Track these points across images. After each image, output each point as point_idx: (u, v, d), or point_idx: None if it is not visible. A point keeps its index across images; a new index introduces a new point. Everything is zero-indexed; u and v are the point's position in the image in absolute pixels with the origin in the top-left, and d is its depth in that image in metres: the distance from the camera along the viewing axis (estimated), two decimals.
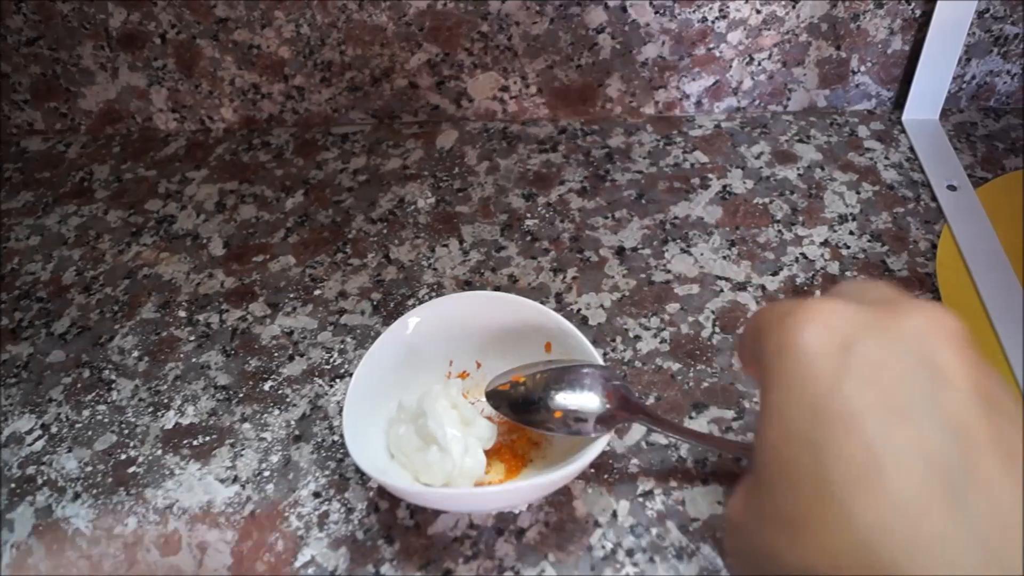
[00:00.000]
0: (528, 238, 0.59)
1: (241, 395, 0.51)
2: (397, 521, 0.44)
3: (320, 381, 0.51)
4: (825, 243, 0.58)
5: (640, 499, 0.45)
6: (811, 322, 0.27)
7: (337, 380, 0.51)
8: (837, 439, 0.25)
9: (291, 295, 0.57)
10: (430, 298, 0.55)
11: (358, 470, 0.46)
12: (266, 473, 0.47)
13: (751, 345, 0.30)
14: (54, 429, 0.50)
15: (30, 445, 0.49)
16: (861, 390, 0.25)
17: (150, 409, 0.51)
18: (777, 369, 0.28)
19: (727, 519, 0.30)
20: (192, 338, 0.55)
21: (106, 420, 0.50)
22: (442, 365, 0.48)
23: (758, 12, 0.63)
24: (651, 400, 0.49)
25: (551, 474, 0.40)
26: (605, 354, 0.52)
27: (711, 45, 0.65)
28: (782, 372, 0.27)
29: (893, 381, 0.25)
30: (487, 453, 0.44)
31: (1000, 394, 0.26)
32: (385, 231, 0.61)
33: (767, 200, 0.61)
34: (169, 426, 0.50)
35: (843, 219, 0.60)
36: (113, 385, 0.52)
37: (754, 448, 0.28)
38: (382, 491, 0.46)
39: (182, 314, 0.56)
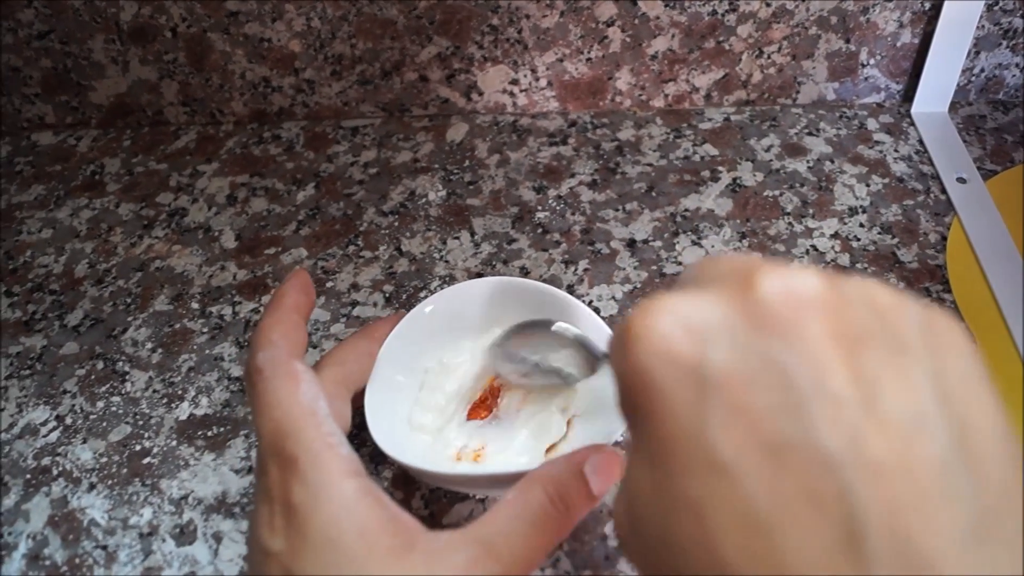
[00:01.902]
0: (539, 230, 0.60)
1: None
2: (412, 510, 0.44)
3: None
4: (835, 235, 0.58)
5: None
6: (646, 339, 0.22)
7: None
8: (717, 499, 0.20)
9: None
10: (441, 290, 0.55)
11: (372, 459, 0.46)
12: None
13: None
14: (69, 420, 0.50)
15: (45, 436, 0.50)
16: (727, 428, 0.20)
17: (164, 400, 0.51)
18: (628, 409, 0.23)
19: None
20: (205, 330, 0.55)
21: (120, 411, 0.51)
22: (462, 352, 0.48)
23: (768, 5, 0.63)
24: None
25: None
26: None
27: (721, 38, 0.65)
28: (635, 413, 0.22)
29: (760, 399, 0.20)
30: None
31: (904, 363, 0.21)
32: (396, 224, 0.61)
33: (777, 193, 0.61)
34: (183, 417, 0.50)
35: (853, 211, 0.60)
36: (127, 377, 0.52)
37: (626, 499, 0.23)
38: (396, 480, 0.46)
39: (195, 306, 0.56)
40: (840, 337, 0.21)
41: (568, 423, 0.44)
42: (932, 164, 0.63)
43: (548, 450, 0.43)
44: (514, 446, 0.43)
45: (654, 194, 0.62)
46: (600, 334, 0.44)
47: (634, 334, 0.22)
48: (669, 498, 0.21)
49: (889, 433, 0.19)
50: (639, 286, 0.55)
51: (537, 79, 0.68)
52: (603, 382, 0.44)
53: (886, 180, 0.62)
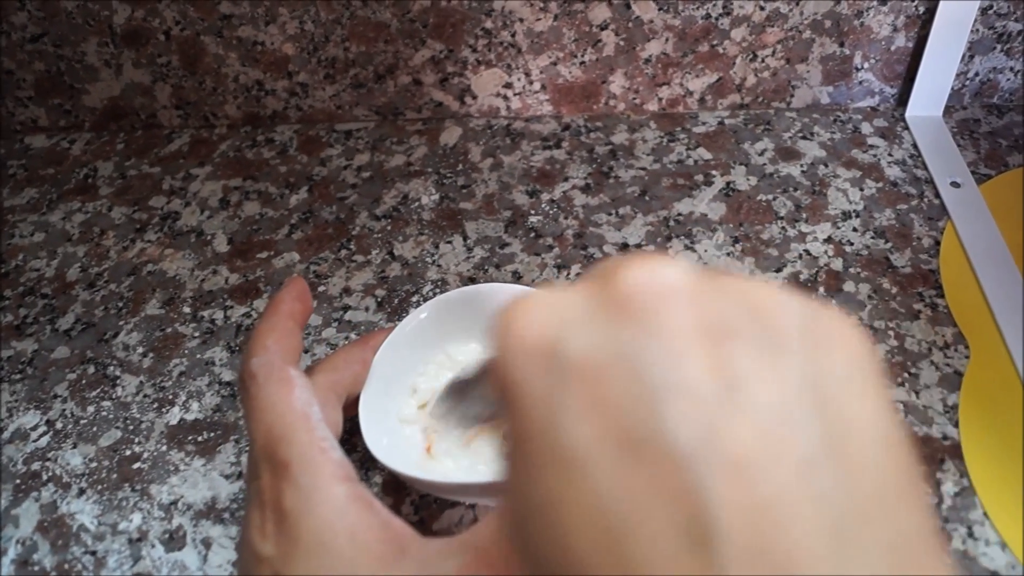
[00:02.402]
0: (532, 235, 0.60)
1: None
2: (402, 516, 0.44)
3: None
4: (829, 240, 0.58)
5: None
6: (504, 335, 0.21)
7: None
8: (569, 495, 0.19)
9: None
10: (434, 294, 0.55)
11: (362, 464, 0.46)
12: None
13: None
14: (59, 425, 0.50)
15: (35, 441, 0.49)
16: (579, 421, 0.19)
17: (155, 405, 0.51)
18: (499, 404, 0.22)
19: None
20: (197, 334, 0.55)
21: (111, 416, 0.50)
22: (455, 359, 0.48)
23: (762, 9, 0.63)
24: None
25: None
26: None
27: (715, 42, 0.65)
28: (503, 407, 0.21)
29: (614, 391, 0.19)
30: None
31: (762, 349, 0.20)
32: (389, 228, 0.61)
33: (771, 197, 0.61)
34: (174, 422, 0.50)
35: (847, 216, 0.60)
36: (118, 381, 0.52)
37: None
38: (386, 486, 0.46)
39: (187, 310, 0.56)
40: (705, 329, 0.20)
41: None
42: (926, 168, 0.63)
43: None
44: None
45: (647, 198, 0.62)
46: None
47: (495, 331, 0.22)
48: (525, 496, 0.20)
49: (748, 428, 0.18)
50: None
51: (531, 82, 0.68)
52: None
53: (880, 184, 0.62)
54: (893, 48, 0.66)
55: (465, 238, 0.60)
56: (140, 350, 0.54)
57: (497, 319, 0.22)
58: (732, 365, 0.19)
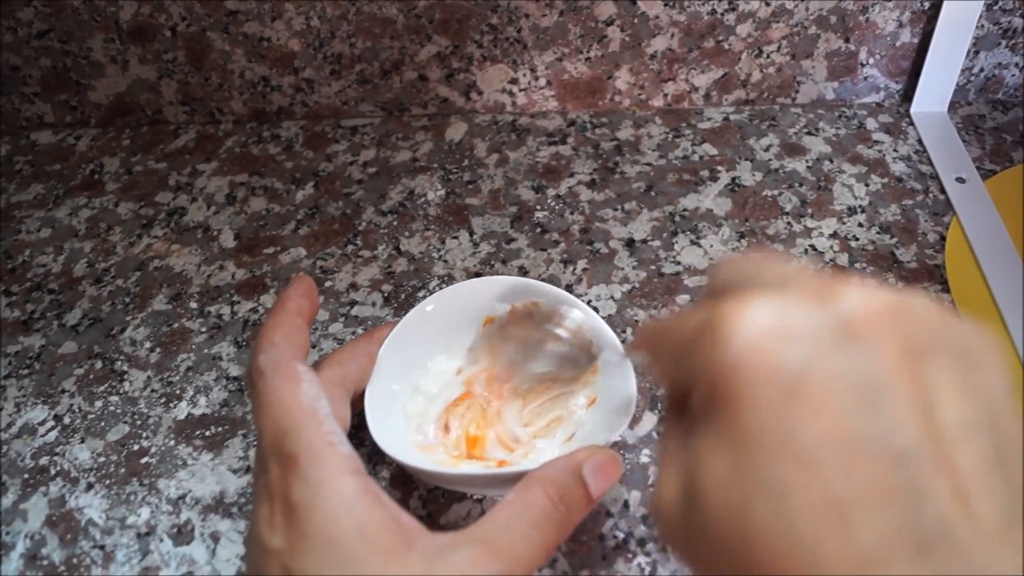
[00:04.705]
0: (538, 230, 0.60)
1: None
2: (409, 510, 0.44)
3: None
4: (834, 235, 0.58)
5: (651, 489, 0.45)
6: (744, 333, 0.24)
7: None
8: (799, 483, 0.22)
9: None
10: (441, 289, 0.55)
11: (370, 459, 0.46)
12: None
13: (669, 357, 0.28)
14: (67, 420, 0.50)
15: (43, 436, 0.50)
16: (811, 422, 0.23)
17: (162, 400, 0.51)
18: (709, 396, 0.25)
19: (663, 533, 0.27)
20: (203, 329, 0.55)
21: (118, 411, 0.51)
22: (461, 352, 0.48)
23: (767, 4, 0.63)
24: (661, 390, 0.49)
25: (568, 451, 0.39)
26: None
27: (720, 37, 0.65)
28: (717, 402, 0.24)
29: (841, 399, 0.23)
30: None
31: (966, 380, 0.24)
32: (395, 223, 0.61)
33: (776, 192, 0.61)
34: (181, 417, 0.50)
35: (852, 211, 0.60)
36: (125, 376, 0.52)
37: (689, 482, 0.25)
38: (394, 480, 0.46)
39: (193, 305, 0.56)
40: (908, 349, 0.23)
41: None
42: (931, 164, 0.63)
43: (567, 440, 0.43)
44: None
45: (653, 194, 0.62)
46: (600, 333, 0.44)
47: (732, 327, 0.24)
48: (751, 480, 0.23)
49: (946, 437, 0.22)
50: (637, 286, 0.55)
51: (536, 78, 0.68)
52: (604, 385, 0.44)
53: (885, 180, 0.62)
54: (898, 44, 0.66)
55: (471, 233, 0.60)
56: (147, 345, 0.54)
57: (726, 315, 0.24)
58: (930, 381, 0.23)
